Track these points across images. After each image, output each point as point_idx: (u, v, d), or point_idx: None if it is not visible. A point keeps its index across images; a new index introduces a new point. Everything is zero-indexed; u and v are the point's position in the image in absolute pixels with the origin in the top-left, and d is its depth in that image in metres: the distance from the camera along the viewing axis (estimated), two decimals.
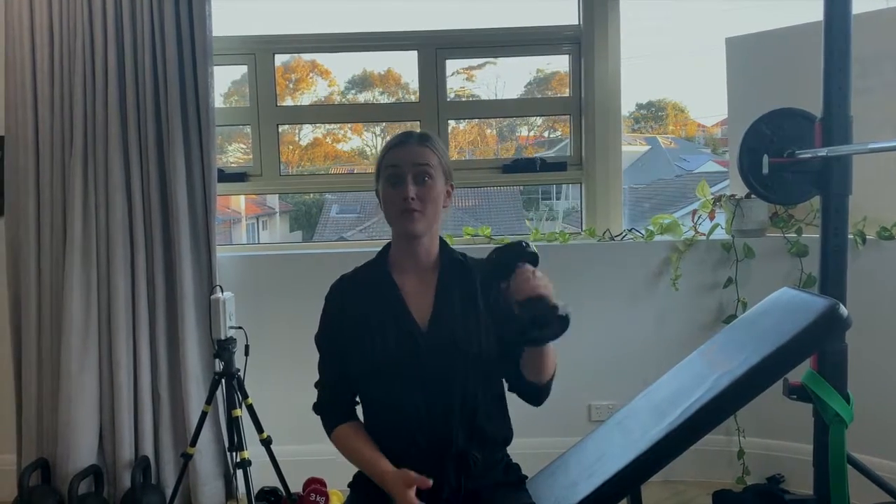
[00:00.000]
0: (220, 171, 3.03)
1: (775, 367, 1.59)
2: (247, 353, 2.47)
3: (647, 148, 7.71)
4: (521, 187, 6.10)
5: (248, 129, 3.22)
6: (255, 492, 2.66)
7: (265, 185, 3.21)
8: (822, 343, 1.81)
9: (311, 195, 6.75)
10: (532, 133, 4.76)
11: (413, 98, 3.28)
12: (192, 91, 2.74)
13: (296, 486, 2.68)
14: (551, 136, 4.19)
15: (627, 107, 7.24)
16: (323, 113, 3.53)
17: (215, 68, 2.78)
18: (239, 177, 3.17)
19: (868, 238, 2.65)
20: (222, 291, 2.46)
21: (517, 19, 3.20)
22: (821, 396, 2.05)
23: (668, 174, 7.21)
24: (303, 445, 2.82)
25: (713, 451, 2.86)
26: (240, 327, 2.46)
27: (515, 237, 3.06)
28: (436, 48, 3.15)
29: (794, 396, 2.12)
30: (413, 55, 3.17)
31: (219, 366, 2.42)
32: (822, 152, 2.04)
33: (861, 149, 1.98)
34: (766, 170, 2.17)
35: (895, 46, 2.64)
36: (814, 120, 2.15)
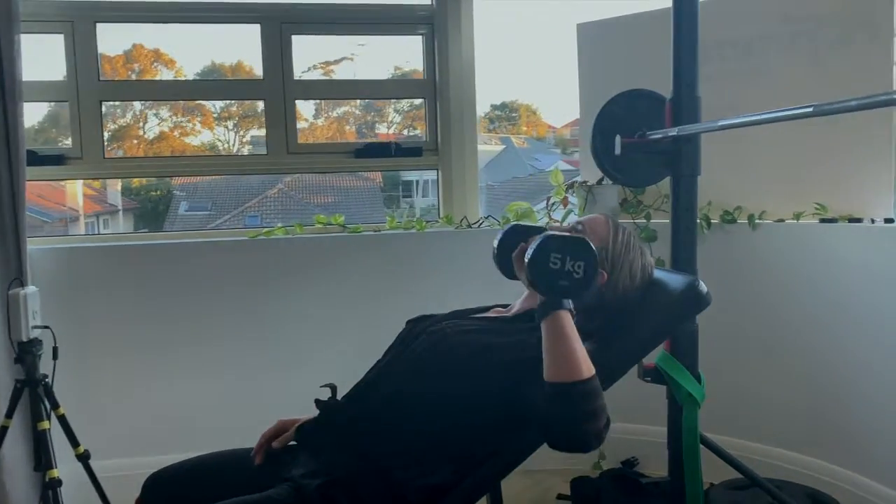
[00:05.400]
0: (33, 153, 2.69)
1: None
2: (55, 357, 2.14)
3: (502, 147, 8.03)
4: (381, 184, 5.97)
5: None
6: None
7: (87, 169, 2.86)
8: (684, 320, 1.79)
9: (158, 191, 6.28)
10: (391, 130, 4.64)
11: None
12: None
13: None
14: (410, 133, 4.08)
15: (482, 107, 7.46)
16: (156, 89, 3.20)
17: (34, 36, 2.43)
18: (56, 160, 2.80)
19: (713, 222, 2.72)
20: (23, 286, 2.13)
21: None
22: (674, 377, 2.04)
23: (523, 172, 7.52)
24: (132, 459, 2.53)
25: None
26: (46, 327, 2.14)
27: (371, 226, 2.92)
28: (281, 22, 2.92)
29: (649, 378, 2.11)
30: (258, 31, 2.94)
31: (20, 372, 2.09)
32: (673, 132, 2.03)
33: (711, 126, 1.97)
34: (618, 150, 2.14)
35: (737, 34, 2.72)
36: (664, 101, 2.14)
